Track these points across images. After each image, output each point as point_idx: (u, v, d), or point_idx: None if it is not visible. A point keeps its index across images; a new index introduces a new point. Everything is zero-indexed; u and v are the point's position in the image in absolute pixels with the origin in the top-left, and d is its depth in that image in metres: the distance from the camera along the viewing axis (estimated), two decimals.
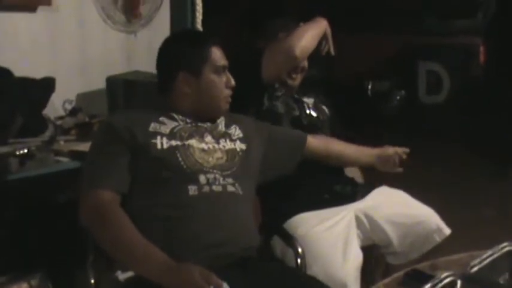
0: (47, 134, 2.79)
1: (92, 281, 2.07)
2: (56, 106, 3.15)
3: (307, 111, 2.73)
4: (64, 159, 2.64)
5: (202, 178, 2.06)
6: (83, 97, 3.39)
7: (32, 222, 2.71)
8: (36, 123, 2.80)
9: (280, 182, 2.47)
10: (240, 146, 2.24)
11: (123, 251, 1.90)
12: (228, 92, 2.26)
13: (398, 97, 7.15)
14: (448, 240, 2.59)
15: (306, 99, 2.76)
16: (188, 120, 2.20)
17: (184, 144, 2.10)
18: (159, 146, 2.07)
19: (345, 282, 2.28)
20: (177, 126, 2.16)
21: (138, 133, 2.08)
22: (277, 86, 2.67)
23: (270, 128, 2.47)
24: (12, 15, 3.18)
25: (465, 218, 4.00)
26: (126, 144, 2.06)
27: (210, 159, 2.12)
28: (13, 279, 2.68)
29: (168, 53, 2.28)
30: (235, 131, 2.29)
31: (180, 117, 2.19)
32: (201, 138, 2.17)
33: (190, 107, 2.21)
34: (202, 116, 2.22)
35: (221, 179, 2.09)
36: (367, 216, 2.54)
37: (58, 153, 2.67)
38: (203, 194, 2.03)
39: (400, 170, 2.62)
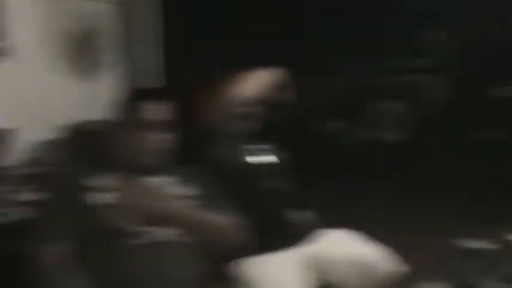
0: (8, 183, 2.83)
1: None
2: (17, 155, 3.19)
3: (259, 159, 2.77)
4: (21, 209, 2.67)
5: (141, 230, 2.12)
6: (43, 146, 3.43)
7: None
8: None
9: None
10: None
11: None
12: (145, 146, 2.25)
13: (353, 138, 7.20)
14: (402, 278, 2.63)
15: (258, 146, 2.80)
16: (128, 174, 2.25)
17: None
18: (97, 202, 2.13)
19: None
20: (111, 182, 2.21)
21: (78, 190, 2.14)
22: (228, 131, 2.72)
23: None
24: None
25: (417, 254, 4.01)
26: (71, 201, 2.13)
27: None
28: None
29: None
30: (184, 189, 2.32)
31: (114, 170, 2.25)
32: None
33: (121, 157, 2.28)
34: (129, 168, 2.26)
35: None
36: (319, 257, 2.58)
37: (19, 201, 2.71)
38: (142, 245, 2.09)
39: None
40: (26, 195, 2.78)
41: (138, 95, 2.35)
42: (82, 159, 3.18)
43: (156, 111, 2.27)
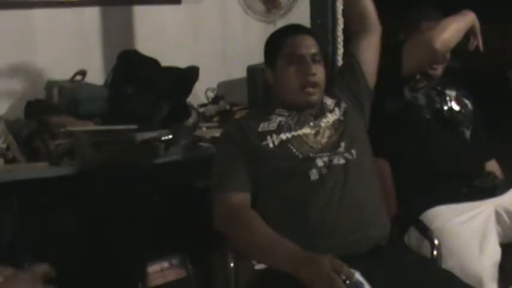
0: (190, 121, 2.91)
1: (232, 265, 2.12)
2: (199, 94, 3.27)
3: (449, 104, 2.67)
4: (206, 145, 2.74)
5: (319, 161, 2.10)
6: (224, 86, 3.50)
7: (174, 205, 2.82)
8: (180, 111, 2.92)
9: (418, 174, 2.46)
10: (338, 112, 2.27)
11: (257, 250, 1.97)
12: (306, 80, 2.21)
13: None
14: None
15: (448, 92, 2.70)
16: (290, 112, 2.23)
17: (294, 136, 2.17)
18: (271, 145, 2.14)
19: (480, 278, 2.23)
20: (283, 119, 2.21)
21: (251, 137, 2.16)
22: (418, 77, 2.64)
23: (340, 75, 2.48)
24: (160, 7, 3.34)
25: None
26: (244, 149, 2.14)
27: (323, 140, 2.17)
28: (155, 259, 2.82)
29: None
30: (328, 101, 2.30)
31: (282, 110, 2.24)
32: (308, 124, 2.20)
33: (282, 98, 2.26)
34: (295, 106, 2.24)
35: (335, 158, 2.12)
36: (507, 212, 2.47)
37: (200, 139, 2.78)
38: (324, 176, 2.07)
39: None
40: (207, 133, 2.85)
41: (284, 31, 2.33)
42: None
43: (303, 44, 2.24)
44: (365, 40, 2.46)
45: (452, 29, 2.56)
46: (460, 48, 2.63)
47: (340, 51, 2.91)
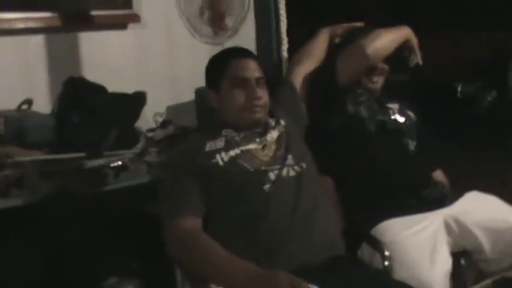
0: (139, 146, 2.90)
1: None
2: (147, 119, 3.26)
3: (392, 117, 2.72)
4: (156, 171, 2.73)
5: (271, 174, 2.15)
6: (173, 109, 3.48)
7: (127, 231, 2.80)
8: (129, 136, 2.91)
9: (365, 188, 2.49)
10: (280, 128, 2.32)
11: (213, 272, 1.97)
12: (252, 104, 2.25)
13: (489, 98, 6.89)
14: None
15: (390, 105, 2.75)
16: (237, 132, 2.26)
17: (243, 151, 2.20)
18: (220, 163, 2.16)
19: None
20: (229, 137, 2.24)
21: (198, 157, 2.17)
22: (360, 91, 2.68)
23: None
24: (105, 33, 3.33)
25: None
26: (192, 172, 2.14)
27: (270, 153, 2.22)
28: (109, 286, 2.80)
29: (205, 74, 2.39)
30: (269, 120, 2.35)
31: (229, 130, 2.26)
32: (255, 140, 2.24)
33: (227, 120, 2.28)
34: (241, 126, 2.27)
35: (285, 169, 2.17)
36: (456, 221, 2.51)
37: (150, 164, 2.77)
38: (277, 189, 2.11)
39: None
40: (156, 157, 2.84)
41: (228, 54, 2.36)
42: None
43: (248, 67, 2.27)
44: (305, 66, 2.62)
45: (385, 38, 2.61)
46: (404, 65, 2.69)
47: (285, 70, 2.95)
